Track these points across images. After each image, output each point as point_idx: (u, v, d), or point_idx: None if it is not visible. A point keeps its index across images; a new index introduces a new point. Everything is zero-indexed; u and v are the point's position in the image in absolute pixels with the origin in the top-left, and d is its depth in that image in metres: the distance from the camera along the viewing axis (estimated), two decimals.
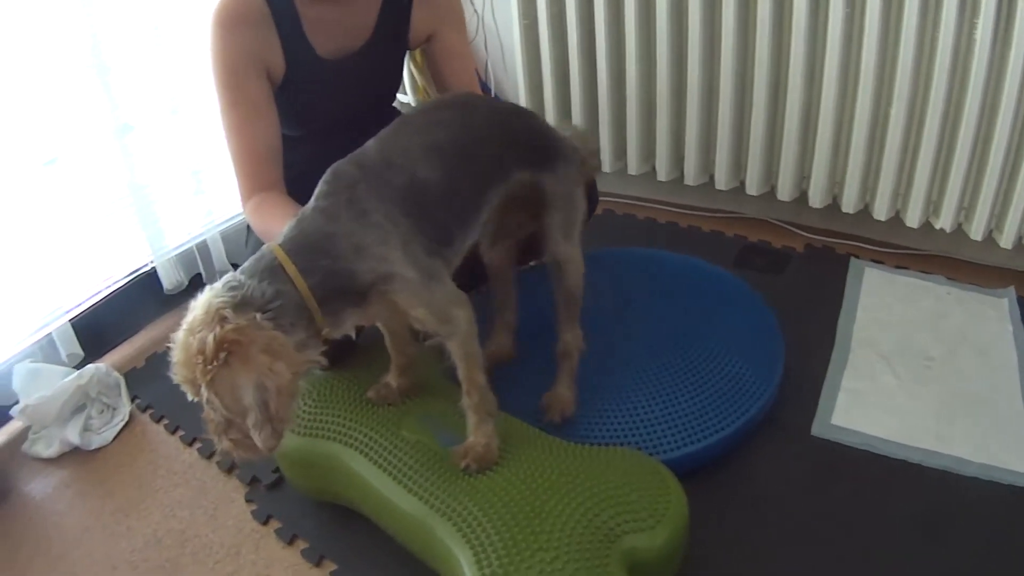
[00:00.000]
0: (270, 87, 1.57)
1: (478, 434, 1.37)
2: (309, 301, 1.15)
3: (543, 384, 1.63)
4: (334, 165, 1.26)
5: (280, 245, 1.18)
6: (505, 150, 1.40)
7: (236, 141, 1.56)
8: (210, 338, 1.04)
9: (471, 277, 1.49)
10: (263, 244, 1.20)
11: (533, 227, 1.53)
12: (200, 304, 1.10)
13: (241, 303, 1.09)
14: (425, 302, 1.25)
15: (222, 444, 1.14)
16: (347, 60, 1.64)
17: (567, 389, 1.60)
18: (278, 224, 1.27)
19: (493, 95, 2.74)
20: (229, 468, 1.79)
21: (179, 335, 1.10)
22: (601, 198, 1.63)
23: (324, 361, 1.19)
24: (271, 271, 1.14)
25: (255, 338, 1.06)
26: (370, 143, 1.31)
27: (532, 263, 1.80)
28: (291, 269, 1.14)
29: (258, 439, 1.09)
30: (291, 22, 1.55)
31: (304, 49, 1.58)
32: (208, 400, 1.08)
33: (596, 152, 1.71)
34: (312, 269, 1.16)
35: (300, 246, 1.17)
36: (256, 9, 1.52)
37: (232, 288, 1.11)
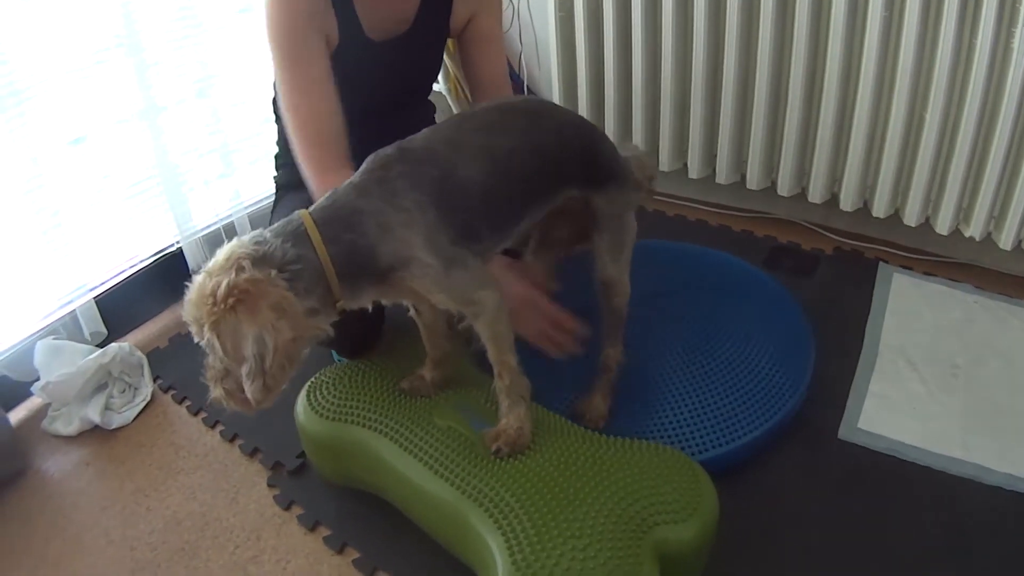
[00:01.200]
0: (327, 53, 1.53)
1: (510, 417, 1.37)
2: (328, 270, 1.17)
3: (574, 380, 1.64)
4: (379, 150, 1.27)
5: (311, 213, 1.19)
6: (561, 165, 1.40)
7: (301, 103, 1.49)
8: (224, 283, 1.07)
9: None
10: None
11: (578, 244, 1.54)
12: (223, 251, 1.13)
13: (261, 258, 1.11)
14: (444, 288, 1.26)
15: (216, 391, 1.17)
16: (392, 43, 1.63)
17: (602, 400, 1.60)
18: None
19: (525, 87, 2.73)
20: (252, 452, 1.79)
21: (199, 275, 1.13)
22: None
23: (331, 332, 1.20)
24: (297, 235, 1.16)
25: (266, 292, 1.08)
26: (424, 131, 1.32)
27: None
28: (315, 236, 1.16)
29: (249, 390, 1.11)
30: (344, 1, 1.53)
31: (355, 27, 1.56)
32: (209, 343, 1.11)
33: (653, 177, 1.70)
34: (336, 240, 1.18)
35: (329, 217, 1.19)
36: None
37: (257, 243, 1.14)
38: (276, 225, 1.19)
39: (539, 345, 1.54)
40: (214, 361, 1.14)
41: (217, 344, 1.10)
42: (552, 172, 1.39)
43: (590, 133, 1.48)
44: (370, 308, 1.29)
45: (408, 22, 1.64)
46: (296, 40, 1.47)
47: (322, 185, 1.45)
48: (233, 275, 1.08)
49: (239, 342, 1.09)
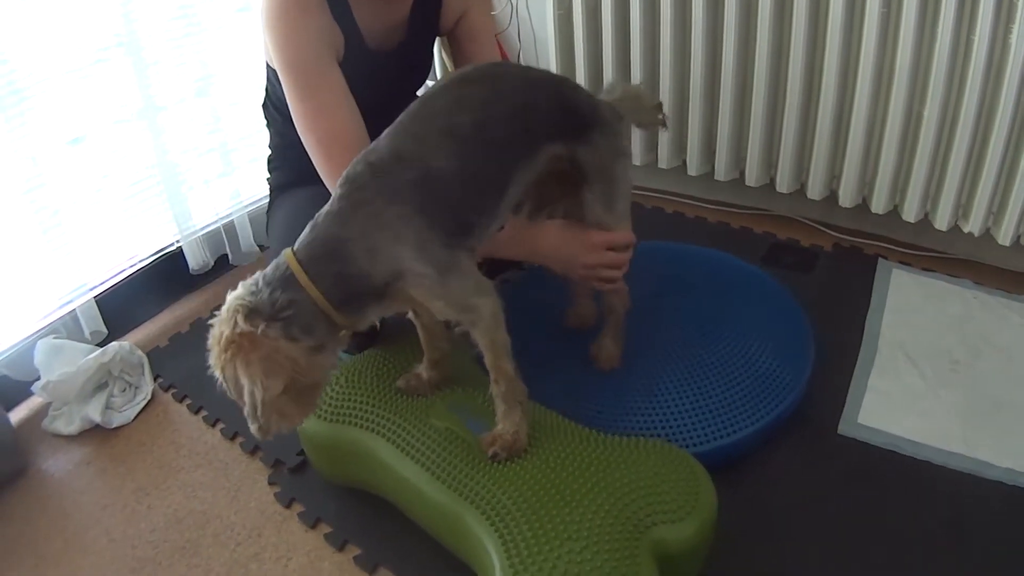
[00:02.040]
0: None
1: (506, 422, 1.37)
2: (323, 305, 1.18)
3: (576, 378, 1.65)
4: (348, 168, 1.25)
5: (295, 252, 1.20)
6: (534, 123, 1.36)
7: (321, 130, 1.46)
8: (224, 335, 1.14)
9: (492, 266, 1.46)
10: (284, 231, 1.23)
11: (571, 198, 1.51)
12: (228, 300, 1.18)
13: (252, 310, 1.15)
14: (441, 296, 1.25)
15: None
16: (391, 52, 1.63)
17: (613, 342, 1.66)
18: None
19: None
20: (252, 450, 1.79)
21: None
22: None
23: (345, 359, 1.24)
24: (285, 280, 1.18)
25: (256, 347, 1.13)
26: (383, 136, 1.29)
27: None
28: (303, 278, 1.17)
29: (250, 426, 1.19)
30: (346, 13, 1.52)
31: (358, 40, 1.55)
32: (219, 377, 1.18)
33: (656, 105, 1.68)
34: (325, 275, 1.18)
35: (313, 254, 1.19)
36: None
37: (252, 293, 1.17)
38: (267, 270, 1.20)
39: (591, 283, 1.57)
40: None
41: (226, 385, 1.17)
42: (526, 132, 1.35)
43: (558, 85, 1.44)
44: (379, 324, 1.30)
45: (402, 27, 1.63)
46: (311, 65, 1.45)
47: None
48: (228, 329, 1.14)
49: (238, 387, 1.16)
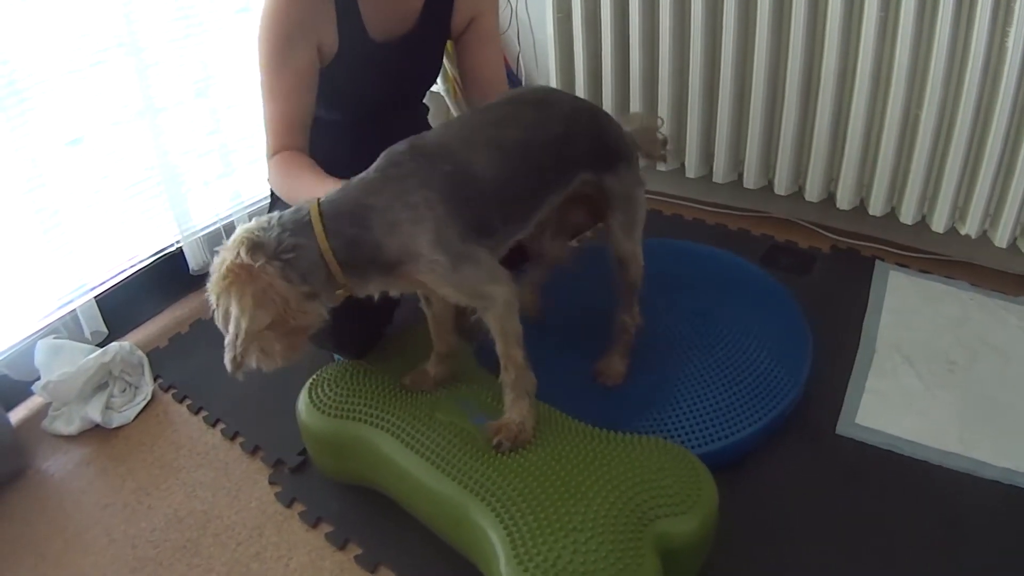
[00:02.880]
0: (317, 62, 1.55)
1: (513, 412, 1.38)
2: (329, 259, 1.21)
3: (572, 380, 1.65)
4: (392, 147, 1.29)
5: (320, 204, 1.23)
6: (572, 152, 1.43)
7: (274, 106, 1.54)
8: (226, 263, 1.17)
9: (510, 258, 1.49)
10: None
11: (592, 226, 1.58)
12: (239, 230, 1.21)
13: (256, 244, 1.18)
14: (453, 283, 1.27)
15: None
16: (395, 44, 1.63)
17: (620, 360, 1.68)
18: (299, 180, 1.40)
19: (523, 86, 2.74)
20: (253, 450, 1.79)
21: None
22: None
23: (327, 317, 1.25)
24: (300, 225, 1.21)
25: (252, 279, 1.16)
26: (432, 130, 1.35)
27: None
28: (318, 228, 1.21)
29: (225, 354, 1.20)
30: (348, 1, 1.54)
31: (358, 29, 1.56)
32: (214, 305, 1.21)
33: (664, 139, 1.75)
34: (341, 234, 1.22)
35: (336, 210, 1.23)
36: None
37: (262, 228, 1.20)
38: (287, 212, 1.23)
39: None
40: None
41: (217, 312, 1.20)
42: (564, 159, 1.42)
43: (597, 117, 1.52)
44: (376, 297, 1.32)
45: (411, 22, 1.64)
46: (281, 48, 1.50)
47: (272, 160, 1.54)
48: (231, 257, 1.17)
49: (226, 315, 1.18)
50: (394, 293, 1.35)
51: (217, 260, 1.20)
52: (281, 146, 1.55)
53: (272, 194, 1.86)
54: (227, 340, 1.19)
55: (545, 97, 1.48)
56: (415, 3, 1.63)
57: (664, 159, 1.79)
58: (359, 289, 1.28)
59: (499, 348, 1.36)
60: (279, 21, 1.48)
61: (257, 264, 1.16)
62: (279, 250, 1.18)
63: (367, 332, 1.68)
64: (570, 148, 1.43)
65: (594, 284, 1.70)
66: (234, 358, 1.19)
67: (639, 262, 1.60)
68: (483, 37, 1.74)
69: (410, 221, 1.22)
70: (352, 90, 1.57)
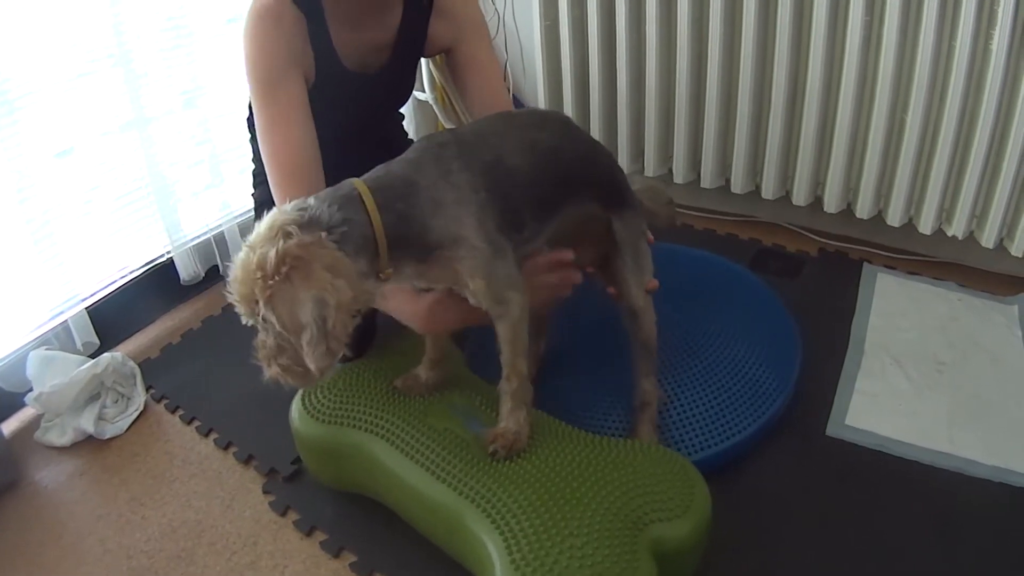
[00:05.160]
0: (305, 91, 1.51)
1: (510, 420, 1.38)
2: (380, 236, 1.15)
3: (566, 385, 1.66)
4: (431, 133, 1.29)
5: (364, 180, 1.19)
6: (593, 175, 1.45)
7: (274, 142, 1.47)
8: (272, 253, 1.04)
9: None
10: None
11: (598, 269, 1.58)
12: (264, 221, 1.10)
13: (308, 222, 1.09)
14: (486, 275, 1.25)
15: (271, 370, 1.13)
16: (370, 73, 1.62)
17: (651, 429, 1.58)
18: None
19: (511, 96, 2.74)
20: (246, 459, 1.79)
21: (240, 252, 1.09)
22: None
23: (338, 367, 1.18)
24: (347, 199, 1.15)
25: (319, 255, 1.06)
26: (470, 123, 1.37)
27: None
28: (369, 201, 1.15)
29: (311, 359, 1.07)
30: (322, 32, 1.52)
31: (334, 61, 1.55)
32: (264, 318, 1.07)
33: (670, 200, 1.78)
34: (388, 208, 1.16)
35: (383, 185, 1.19)
36: (293, 13, 1.47)
37: (300, 209, 1.11)
38: (322, 192, 1.16)
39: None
40: (267, 338, 1.10)
41: (274, 318, 1.06)
42: (586, 177, 1.43)
43: (612, 157, 1.53)
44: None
45: (386, 51, 1.62)
46: (273, 74, 1.45)
47: None
48: (281, 243, 1.05)
49: (296, 310, 1.05)
50: (419, 284, 1.31)
51: (250, 259, 1.06)
52: (288, 187, 1.45)
53: (256, 209, 1.86)
54: (307, 337, 1.05)
55: (567, 121, 1.47)
56: (387, 35, 1.61)
57: (675, 222, 1.78)
58: (395, 278, 1.21)
59: (505, 356, 1.35)
60: (265, 46, 1.45)
61: (316, 238, 1.07)
62: (331, 224, 1.10)
63: (363, 328, 1.65)
64: (592, 169, 1.44)
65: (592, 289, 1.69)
66: (327, 349, 1.06)
67: (652, 317, 1.56)
68: (470, 64, 1.69)
69: (455, 202, 1.21)
70: (326, 119, 1.55)
